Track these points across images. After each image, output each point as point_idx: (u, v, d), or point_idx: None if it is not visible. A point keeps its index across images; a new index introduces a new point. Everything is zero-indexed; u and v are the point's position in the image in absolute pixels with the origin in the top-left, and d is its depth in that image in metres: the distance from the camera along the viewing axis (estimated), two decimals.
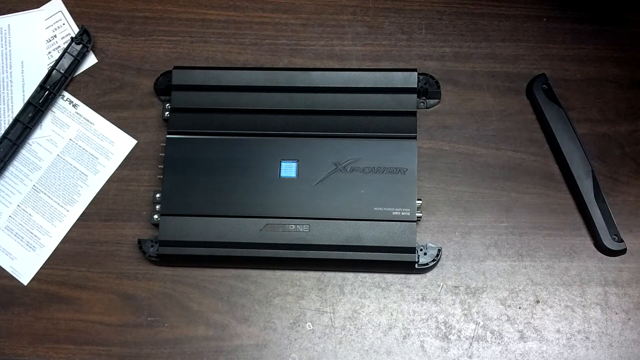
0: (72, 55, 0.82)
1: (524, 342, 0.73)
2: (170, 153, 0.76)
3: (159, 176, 0.77)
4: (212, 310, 0.76)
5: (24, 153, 0.81)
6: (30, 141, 0.81)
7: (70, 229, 0.78)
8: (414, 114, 0.76)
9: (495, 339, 0.74)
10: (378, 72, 0.77)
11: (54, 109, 0.82)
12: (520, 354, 0.73)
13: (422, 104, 0.79)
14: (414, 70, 0.77)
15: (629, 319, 0.74)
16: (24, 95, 0.82)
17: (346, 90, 0.77)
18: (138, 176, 0.79)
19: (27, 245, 0.78)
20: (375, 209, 0.73)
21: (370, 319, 0.75)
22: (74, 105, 0.82)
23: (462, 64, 0.81)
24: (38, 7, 0.84)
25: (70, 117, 0.81)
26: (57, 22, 0.84)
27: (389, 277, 0.76)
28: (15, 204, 0.79)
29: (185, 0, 0.84)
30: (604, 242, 0.74)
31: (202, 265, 0.76)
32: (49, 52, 0.83)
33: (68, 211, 0.79)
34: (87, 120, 0.81)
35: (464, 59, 0.81)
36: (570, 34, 0.81)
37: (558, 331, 0.74)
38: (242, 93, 0.77)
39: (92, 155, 0.80)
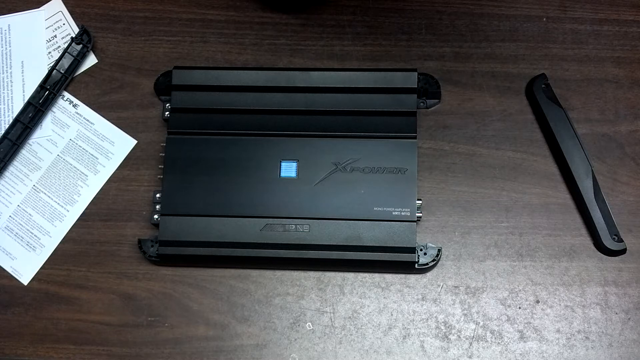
0: (72, 55, 0.82)
1: (524, 342, 0.74)
2: (170, 153, 0.76)
3: (159, 176, 0.77)
4: (212, 310, 0.76)
5: (24, 153, 0.81)
6: (30, 141, 0.81)
7: (70, 229, 0.78)
8: (414, 114, 0.76)
9: (495, 339, 0.74)
10: (378, 72, 0.77)
11: (54, 109, 0.82)
12: (520, 354, 0.73)
13: (422, 104, 0.79)
14: (414, 70, 0.77)
15: (629, 319, 0.74)
16: (24, 95, 0.82)
17: (346, 90, 0.77)
18: (138, 176, 0.79)
19: (27, 245, 0.78)
20: (375, 209, 0.73)
21: (370, 319, 0.75)
22: (74, 105, 0.82)
23: (462, 64, 0.81)
24: (38, 7, 0.84)
25: (70, 117, 0.81)
26: (57, 22, 0.84)
27: (389, 277, 0.76)
28: (16, 204, 0.79)
29: (185, 0, 0.84)
30: (604, 242, 0.74)
31: (202, 265, 0.76)
32: (49, 52, 0.83)
33: (68, 211, 0.79)
34: (87, 120, 0.81)
35: (464, 59, 0.81)
36: (570, 34, 0.81)
37: (558, 331, 0.74)
38: (242, 93, 0.77)
39: (92, 155, 0.80)
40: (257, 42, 0.82)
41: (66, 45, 0.82)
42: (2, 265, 0.78)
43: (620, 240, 0.74)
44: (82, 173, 0.80)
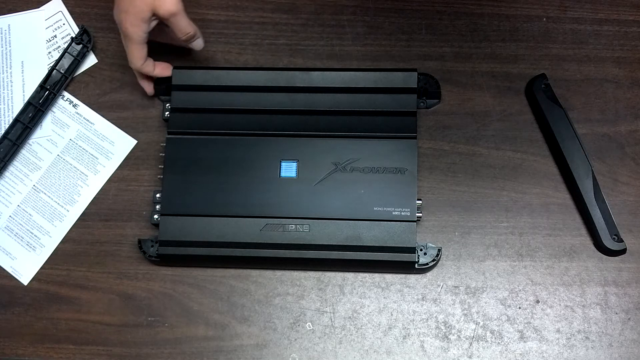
0: (72, 55, 0.82)
1: (524, 342, 0.74)
2: (170, 153, 0.76)
3: (159, 176, 0.77)
4: (212, 310, 0.76)
5: (24, 153, 0.81)
6: (30, 141, 0.81)
7: (70, 229, 0.78)
8: (414, 114, 0.76)
9: (495, 339, 0.74)
10: (378, 72, 0.77)
11: (54, 109, 0.82)
12: (520, 354, 0.73)
13: (422, 104, 0.79)
14: (414, 70, 0.77)
15: (629, 319, 0.74)
16: (24, 95, 0.82)
17: (346, 90, 0.77)
18: (138, 176, 0.79)
19: (27, 245, 0.78)
20: (375, 209, 0.73)
21: (370, 319, 0.75)
22: (74, 105, 0.82)
23: (462, 64, 0.81)
24: (38, 7, 0.84)
25: (70, 117, 0.81)
26: (57, 22, 0.84)
27: (389, 277, 0.76)
28: (16, 204, 0.79)
29: (185, 0, 0.84)
30: (604, 242, 0.74)
31: (202, 265, 0.76)
32: (49, 52, 0.83)
33: (68, 211, 0.79)
34: (87, 120, 0.81)
35: (464, 59, 0.81)
36: (570, 34, 0.81)
37: (558, 331, 0.74)
38: (242, 93, 0.77)
39: (92, 155, 0.80)
40: (257, 42, 0.82)
41: (66, 45, 0.82)
42: (2, 265, 0.78)
43: (620, 240, 0.74)
44: (82, 173, 0.80)
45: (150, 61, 0.76)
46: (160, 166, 0.77)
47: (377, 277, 0.76)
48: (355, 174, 0.74)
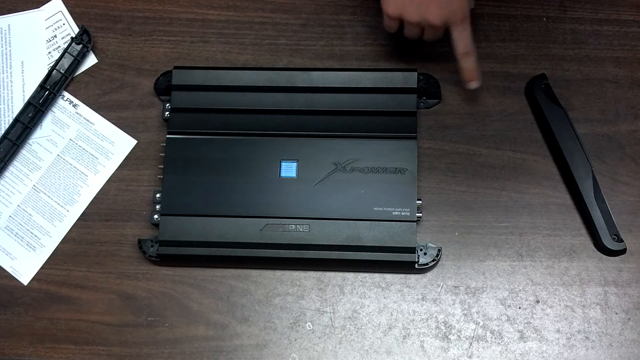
0: (72, 55, 0.82)
1: (524, 342, 0.74)
2: (170, 153, 0.76)
3: (159, 176, 0.77)
4: (212, 310, 0.76)
5: (24, 153, 0.81)
6: (30, 141, 0.81)
7: (70, 229, 0.78)
8: (414, 114, 0.76)
9: (495, 339, 0.74)
10: (378, 72, 0.77)
11: (54, 109, 0.82)
12: (520, 354, 0.73)
13: (422, 104, 0.79)
14: (414, 70, 0.77)
15: (629, 319, 0.74)
16: (24, 95, 0.82)
17: (346, 90, 0.77)
18: (138, 176, 0.79)
19: (27, 245, 0.78)
20: (375, 209, 0.73)
21: (370, 319, 0.75)
22: (74, 105, 0.82)
23: None
24: (38, 7, 0.84)
25: (70, 117, 0.81)
26: (57, 22, 0.84)
27: (389, 277, 0.76)
28: (16, 204, 0.79)
29: (185, 0, 0.84)
30: (603, 242, 0.74)
31: (202, 265, 0.76)
32: (49, 52, 0.83)
33: (68, 211, 0.79)
34: (87, 120, 0.81)
35: None
36: (570, 34, 0.81)
37: (558, 331, 0.74)
38: (242, 93, 0.77)
39: (92, 155, 0.80)
40: (257, 42, 0.82)
41: (66, 45, 0.82)
42: (2, 265, 0.78)
43: (620, 240, 0.74)
44: (82, 173, 0.80)
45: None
46: (160, 166, 0.77)
47: (377, 277, 0.76)
48: (355, 174, 0.74)
